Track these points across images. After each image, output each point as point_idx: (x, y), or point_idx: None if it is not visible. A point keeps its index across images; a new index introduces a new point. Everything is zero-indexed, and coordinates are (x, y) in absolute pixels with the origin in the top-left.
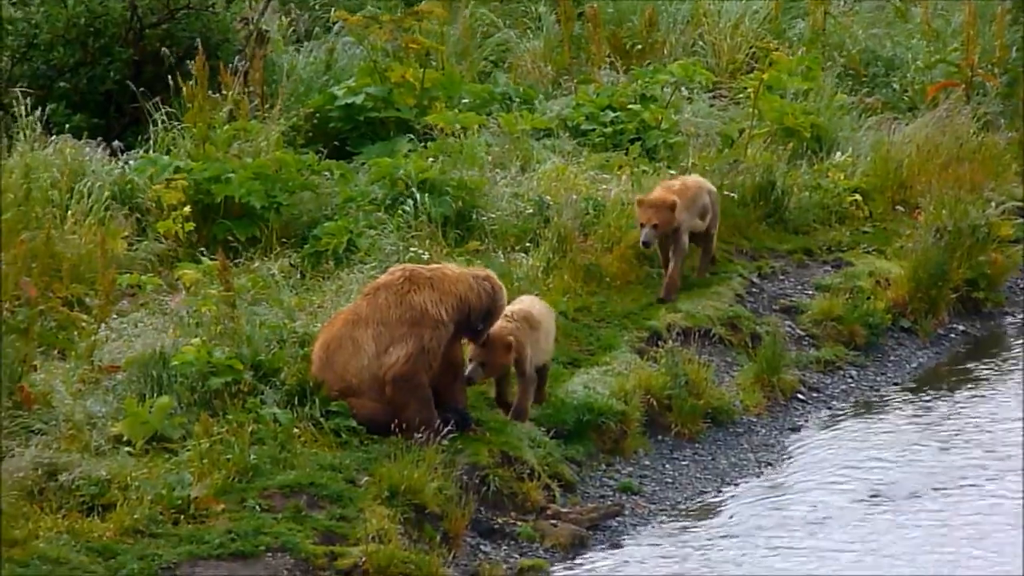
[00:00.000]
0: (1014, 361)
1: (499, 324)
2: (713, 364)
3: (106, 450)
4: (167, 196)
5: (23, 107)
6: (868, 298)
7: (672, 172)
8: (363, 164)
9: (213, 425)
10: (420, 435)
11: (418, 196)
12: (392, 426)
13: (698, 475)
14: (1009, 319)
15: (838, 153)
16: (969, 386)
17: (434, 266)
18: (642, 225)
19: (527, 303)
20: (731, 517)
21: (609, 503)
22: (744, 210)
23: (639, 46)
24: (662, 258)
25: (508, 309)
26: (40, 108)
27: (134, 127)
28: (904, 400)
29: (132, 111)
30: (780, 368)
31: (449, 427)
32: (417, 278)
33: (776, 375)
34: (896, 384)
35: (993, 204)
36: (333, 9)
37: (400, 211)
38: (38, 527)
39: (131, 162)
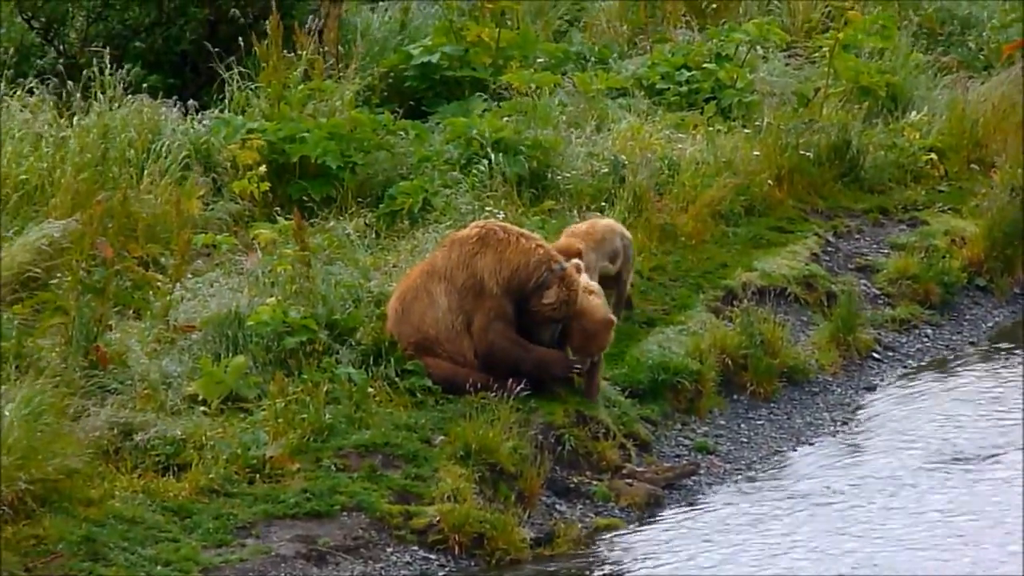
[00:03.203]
0: None
1: (593, 301)
2: (788, 323)
3: (181, 410)
4: (242, 156)
5: (99, 67)
6: (944, 257)
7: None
8: (438, 124)
9: (288, 384)
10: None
11: (493, 156)
12: (467, 386)
13: (773, 434)
14: None
15: (913, 112)
16: None
17: (519, 231)
18: None
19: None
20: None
21: (684, 462)
22: (819, 169)
23: (714, 5)
24: None
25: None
26: (116, 68)
27: (209, 87)
28: (980, 359)
29: (207, 71)
30: (855, 327)
31: (522, 385)
32: (489, 239)
33: (851, 334)
34: (972, 343)
35: None
36: None
37: (475, 170)
38: (114, 486)
39: (206, 122)
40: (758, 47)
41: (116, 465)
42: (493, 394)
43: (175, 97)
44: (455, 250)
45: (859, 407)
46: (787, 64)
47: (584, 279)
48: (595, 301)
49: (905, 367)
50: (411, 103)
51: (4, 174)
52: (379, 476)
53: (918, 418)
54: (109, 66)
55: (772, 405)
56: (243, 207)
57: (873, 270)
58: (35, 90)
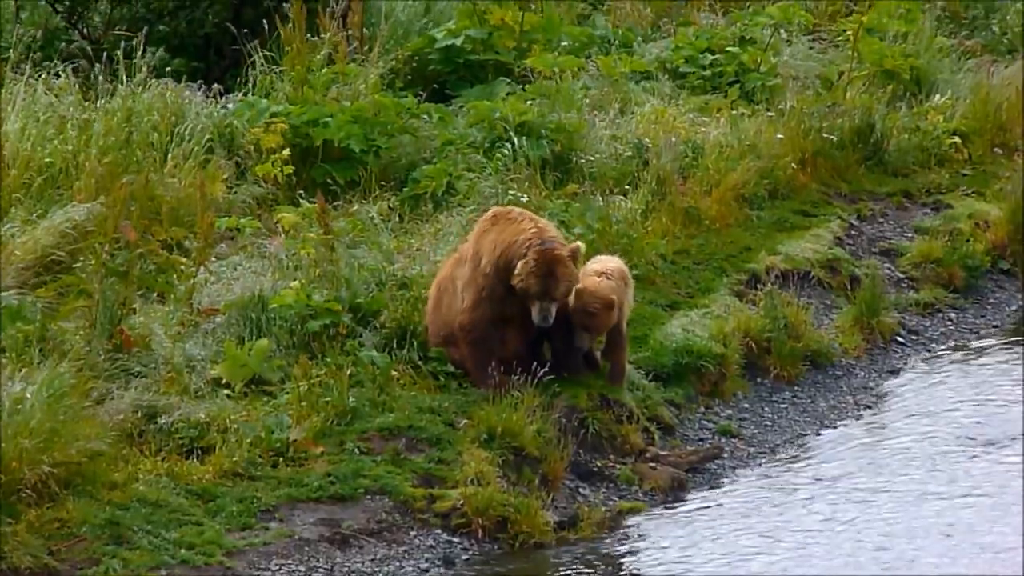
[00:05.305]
0: None
1: (596, 282)
2: (812, 307)
3: (205, 393)
4: (266, 139)
5: (124, 50)
6: (967, 240)
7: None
8: (462, 107)
9: (312, 368)
10: (478, 385)
11: (516, 139)
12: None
13: (797, 418)
14: None
15: (937, 95)
16: None
17: (530, 215)
18: None
19: (613, 260)
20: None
21: (708, 446)
22: (843, 153)
23: None
24: None
25: (603, 266)
26: (141, 51)
27: (233, 70)
28: (1003, 342)
29: (231, 54)
30: (879, 310)
31: (544, 369)
32: (500, 217)
33: (875, 317)
34: (995, 326)
35: None
36: None
37: (498, 154)
38: (137, 469)
39: (230, 105)
40: (782, 30)
41: (140, 448)
42: (517, 378)
43: (199, 80)
44: (473, 230)
45: (883, 391)
46: (811, 47)
47: (600, 267)
48: (598, 282)
49: (929, 351)
50: (435, 86)
51: (28, 157)
52: (403, 459)
53: (942, 401)
54: (136, 49)
55: (796, 388)
56: (267, 190)
57: (897, 253)
58: (60, 73)
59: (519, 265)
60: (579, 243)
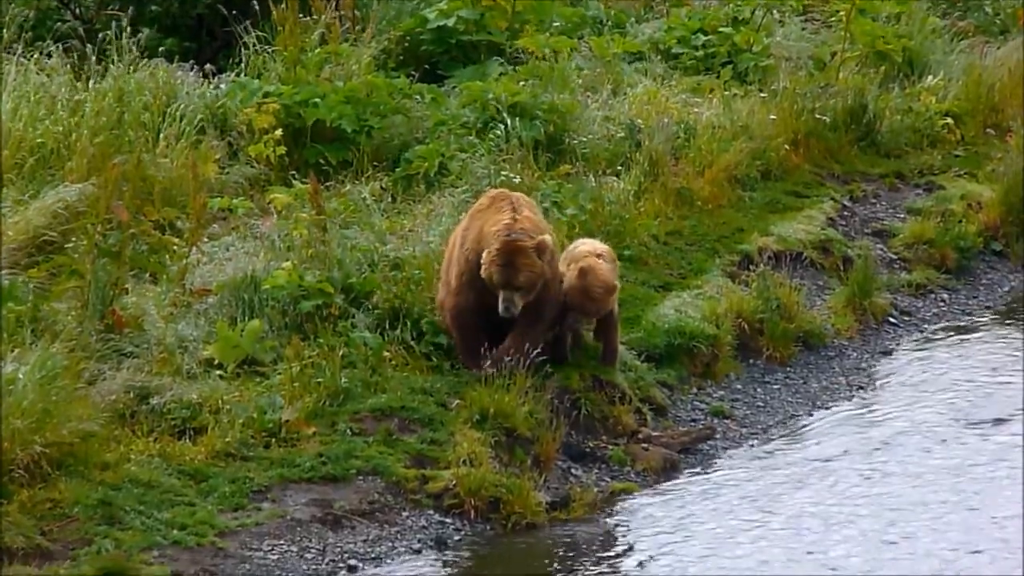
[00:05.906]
0: None
1: (600, 264)
2: (804, 288)
3: (197, 373)
4: (258, 120)
5: (116, 31)
6: (960, 221)
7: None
8: (454, 88)
9: (304, 348)
10: (468, 367)
11: (509, 120)
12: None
13: (789, 399)
14: None
15: (930, 76)
16: None
17: (516, 205)
18: None
19: (600, 244)
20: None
21: (700, 427)
22: (836, 134)
23: None
24: None
25: (593, 248)
26: (132, 32)
27: (225, 51)
28: (995, 323)
29: (223, 35)
30: (871, 291)
31: (537, 351)
32: (497, 200)
33: (867, 298)
34: (987, 307)
35: None
36: None
37: (491, 135)
38: (129, 450)
39: (222, 86)
40: (774, 11)
41: (132, 429)
42: (509, 359)
43: (191, 61)
44: (474, 205)
45: (875, 371)
46: (803, 28)
47: (590, 248)
48: (602, 265)
49: (921, 331)
50: (427, 67)
51: (20, 137)
52: (395, 440)
53: (934, 382)
54: (125, 30)
55: (788, 369)
56: (259, 171)
57: (889, 234)
58: (52, 54)
59: (484, 254)
60: (546, 236)
